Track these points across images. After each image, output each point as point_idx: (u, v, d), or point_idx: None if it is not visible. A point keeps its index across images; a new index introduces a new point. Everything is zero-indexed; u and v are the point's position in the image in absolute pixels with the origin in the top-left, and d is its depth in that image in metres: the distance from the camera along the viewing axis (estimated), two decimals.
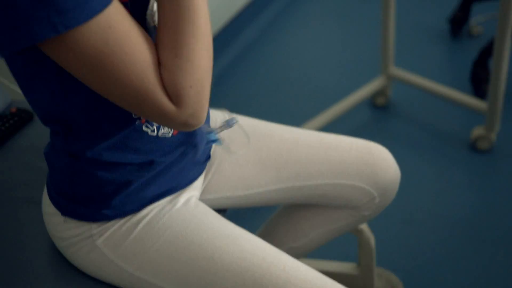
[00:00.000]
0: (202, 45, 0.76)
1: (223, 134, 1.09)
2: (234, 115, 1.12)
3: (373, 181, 1.11)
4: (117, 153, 0.89)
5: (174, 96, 0.76)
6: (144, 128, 0.88)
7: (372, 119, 2.21)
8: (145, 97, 0.75)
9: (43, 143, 1.02)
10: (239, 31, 2.72)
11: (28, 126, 1.34)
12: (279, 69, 2.52)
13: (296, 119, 2.09)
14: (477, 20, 2.51)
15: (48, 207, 0.98)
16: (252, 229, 1.18)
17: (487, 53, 2.15)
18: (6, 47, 0.70)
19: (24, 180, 1.20)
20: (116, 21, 0.71)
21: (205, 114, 0.81)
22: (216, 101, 1.67)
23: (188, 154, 0.96)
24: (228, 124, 0.99)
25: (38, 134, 1.30)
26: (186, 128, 0.81)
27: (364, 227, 1.32)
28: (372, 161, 1.11)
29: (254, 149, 1.10)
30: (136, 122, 0.87)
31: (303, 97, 2.34)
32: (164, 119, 0.78)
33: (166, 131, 0.91)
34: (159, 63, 0.76)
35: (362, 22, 2.73)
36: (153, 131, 0.89)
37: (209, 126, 0.95)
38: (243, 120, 1.13)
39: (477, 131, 1.97)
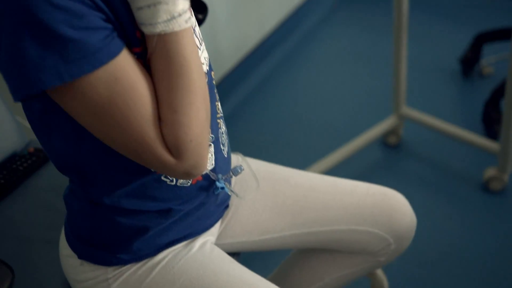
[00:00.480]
0: (198, 98, 0.77)
1: (236, 179, 1.10)
2: (248, 159, 1.13)
3: (389, 227, 1.11)
4: (135, 201, 0.89)
5: (175, 150, 0.77)
6: (163, 178, 0.89)
7: (384, 159, 2.22)
8: (145, 149, 0.76)
9: (60, 184, 1.03)
10: (250, 71, 2.75)
11: (46, 166, 1.35)
12: (291, 108, 2.54)
13: (307, 158, 2.10)
14: (488, 60, 2.53)
15: (65, 249, 0.99)
16: (264, 270, 1.18)
17: (499, 93, 2.15)
18: (17, 92, 0.73)
19: (41, 220, 1.20)
20: (122, 73, 0.73)
21: (206, 163, 0.82)
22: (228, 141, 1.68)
23: (206, 202, 0.97)
24: (233, 172, 1.00)
25: (56, 174, 1.29)
26: (188, 178, 0.82)
27: (377, 269, 1.31)
28: (388, 208, 1.11)
29: (270, 195, 1.10)
30: (152, 169, 0.87)
31: (315, 136, 2.35)
32: (165, 170, 0.79)
33: (184, 181, 0.91)
34: (160, 118, 0.77)
35: (374, 62, 2.75)
36: (172, 180, 0.90)
37: (215, 174, 0.95)
38: (259, 165, 1.14)
39: (489, 172, 1.96)
